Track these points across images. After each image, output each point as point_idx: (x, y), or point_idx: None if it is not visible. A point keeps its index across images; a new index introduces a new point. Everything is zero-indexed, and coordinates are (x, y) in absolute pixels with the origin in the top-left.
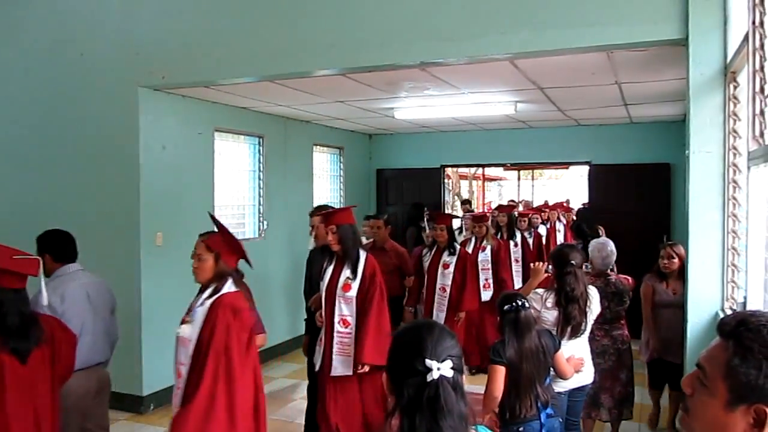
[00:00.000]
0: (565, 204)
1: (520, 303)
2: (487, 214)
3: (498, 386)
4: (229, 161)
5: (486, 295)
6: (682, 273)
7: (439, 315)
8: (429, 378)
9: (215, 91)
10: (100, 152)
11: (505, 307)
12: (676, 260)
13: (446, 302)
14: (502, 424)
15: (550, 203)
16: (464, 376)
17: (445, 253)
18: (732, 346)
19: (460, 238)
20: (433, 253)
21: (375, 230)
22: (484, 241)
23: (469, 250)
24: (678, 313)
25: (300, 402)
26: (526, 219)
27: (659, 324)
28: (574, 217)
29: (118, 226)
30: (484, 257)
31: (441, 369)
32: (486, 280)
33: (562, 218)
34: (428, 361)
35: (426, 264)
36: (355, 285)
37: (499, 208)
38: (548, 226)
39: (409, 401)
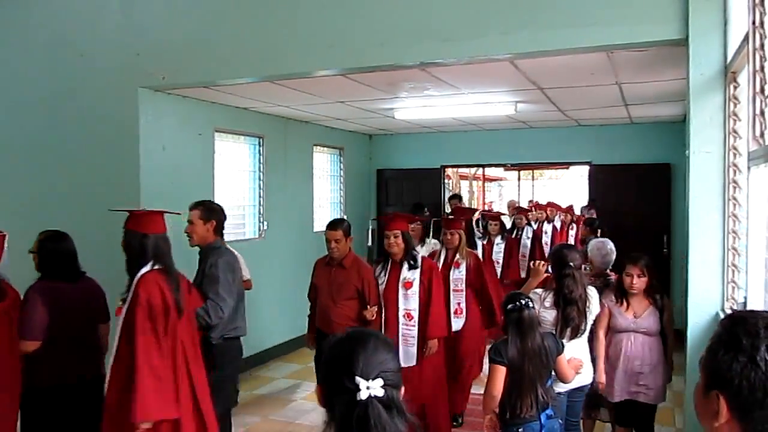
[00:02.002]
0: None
1: (524, 302)
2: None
3: (498, 386)
4: (229, 162)
5: (457, 323)
6: (649, 292)
7: (409, 351)
8: (358, 397)
9: (215, 92)
10: (100, 153)
11: (509, 306)
12: (644, 279)
13: (416, 333)
14: (502, 424)
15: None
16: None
17: (404, 267)
18: (720, 335)
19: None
20: (389, 268)
21: (333, 243)
22: (458, 255)
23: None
24: (640, 340)
25: (300, 402)
26: (523, 217)
27: (615, 355)
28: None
29: (118, 226)
30: (458, 276)
31: (371, 388)
32: (458, 304)
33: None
34: (357, 379)
35: (382, 285)
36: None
37: (520, 210)
38: (554, 224)
39: (341, 419)
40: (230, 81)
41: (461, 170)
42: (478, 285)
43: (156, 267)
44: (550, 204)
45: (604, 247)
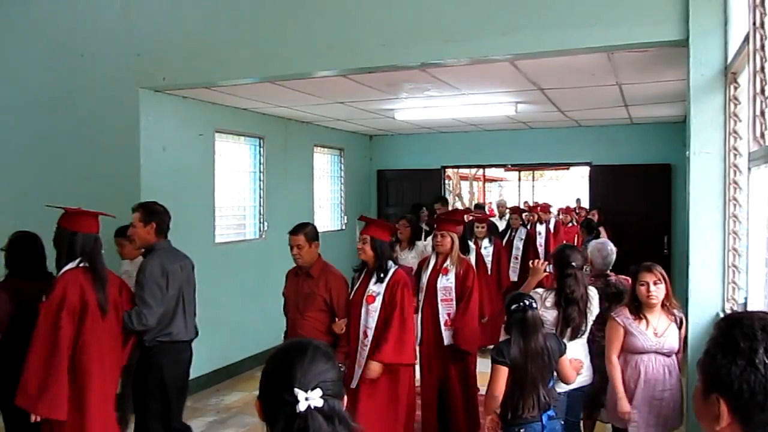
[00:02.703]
0: (576, 205)
1: (528, 303)
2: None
3: (500, 386)
4: (230, 162)
5: (448, 336)
6: (666, 306)
7: (357, 373)
8: (298, 409)
9: (216, 93)
10: (100, 153)
11: (513, 306)
12: (662, 286)
13: (366, 354)
14: (504, 425)
15: (550, 204)
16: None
17: (372, 279)
18: (717, 338)
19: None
20: (361, 278)
21: (295, 250)
22: (448, 261)
23: (425, 275)
24: (661, 362)
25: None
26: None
27: (632, 379)
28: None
29: (118, 227)
30: (446, 284)
31: (309, 399)
32: (448, 315)
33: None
34: (296, 391)
35: (352, 296)
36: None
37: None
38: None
39: None
40: (230, 81)
41: (462, 171)
42: (463, 297)
43: (82, 265)
44: (540, 206)
45: (605, 248)
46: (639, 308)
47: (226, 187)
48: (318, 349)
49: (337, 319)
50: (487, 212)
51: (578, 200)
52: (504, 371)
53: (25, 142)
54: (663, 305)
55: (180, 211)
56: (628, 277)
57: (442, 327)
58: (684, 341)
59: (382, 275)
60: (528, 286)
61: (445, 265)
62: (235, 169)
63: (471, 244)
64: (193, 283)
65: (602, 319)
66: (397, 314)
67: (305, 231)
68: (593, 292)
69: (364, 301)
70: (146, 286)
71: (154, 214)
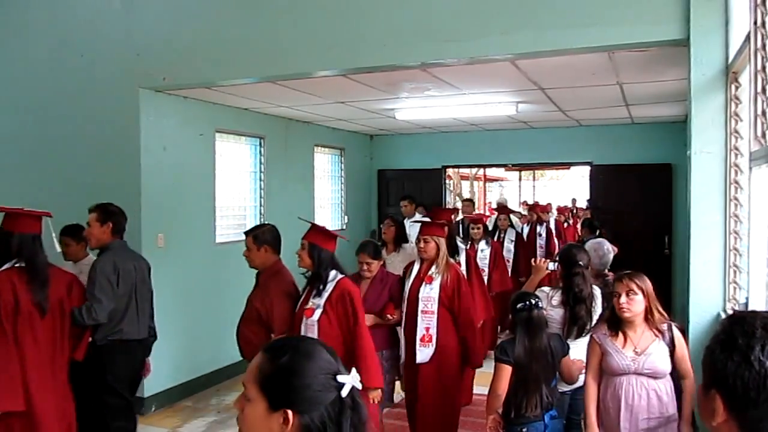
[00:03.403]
0: (572, 204)
1: (533, 302)
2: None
3: (503, 385)
4: (230, 162)
5: (423, 353)
6: (651, 320)
7: None
8: (343, 394)
9: (216, 92)
10: (101, 153)
11: (519, 305)
12: (639, 297)
13: None
14: (506, 423)
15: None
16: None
17: (314, 292)
18: (718, 334)
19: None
20: (306, 290)
21: (245, 251)
22: (433, 268)
23: (408, 283)
24: (644, 384)
25: None
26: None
27: (613, 405)
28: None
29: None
30: (429, 293)
31: (353, 378)
32: (426, 329)
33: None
34: (339, 377)
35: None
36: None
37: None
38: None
39: (336, 423)
40: (231, 81)
41: (462, 170)
42: (454, 306)
43: (17, 265)
44: (540, 207)
45: (601, 247)
46: (618, 324)
47: (226, 187)
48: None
49: (272, 335)
50: (487, 212)
51: (574, 200)
52: (507, 370)
53: (25, 142)
54: (647, 319)
55: (180, 211)
56: None
57: (417, 343)
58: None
59: (321, 287)
60: (530, 284)
61: (429, 272)
62: (236, 169)
63: (460, 244)
64: (148, 285)
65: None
66: (360, 334)
67: (255, 233)
68: (597, 292)
69: (303, 315)
70: (97, 282)
71: (110, 214)
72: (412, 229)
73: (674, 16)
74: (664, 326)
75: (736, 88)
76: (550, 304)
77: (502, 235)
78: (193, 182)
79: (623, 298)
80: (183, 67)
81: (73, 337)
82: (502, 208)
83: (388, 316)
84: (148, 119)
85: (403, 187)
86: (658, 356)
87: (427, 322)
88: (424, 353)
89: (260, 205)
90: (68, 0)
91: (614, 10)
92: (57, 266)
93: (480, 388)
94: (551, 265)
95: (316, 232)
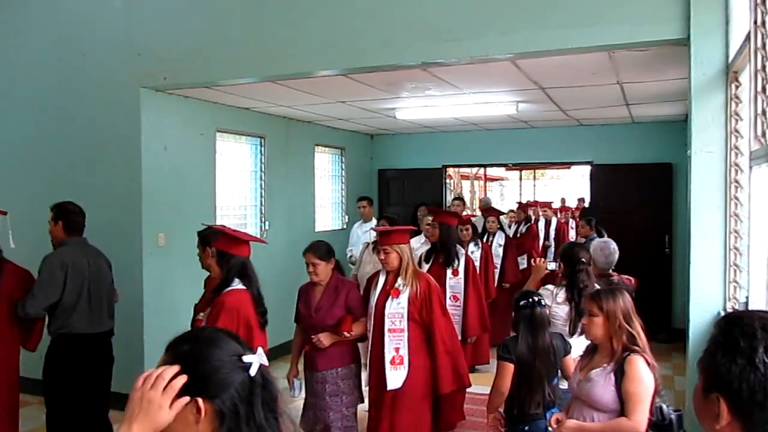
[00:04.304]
0: (561, 204)
1: (536, 299)
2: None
3: (506, 383)
4: (231, 162)
5: (394, 378)
6: (611, 344)
7: None
8: (251, 373)
9: (217, 92)
10: (101, 153)
11: (522, 302)
12: (599, 320)
13: None
14: (509, 421)
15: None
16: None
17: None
18: (717, 337)
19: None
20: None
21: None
22: (399, 280)
23: (374, 296)
24: (583, 415)
25: (302, 402)
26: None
27: None
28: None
29: (120, 227)
30: (396, 309)
31: (260, 358)
32: (396, 348)
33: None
34: (244, 357)
35: None
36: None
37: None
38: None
39: (247, 404)
40: (232, 81)
41: (462, 170)
42: (427, 321)
43: None
44: (537, 204)
45: (608, 247)
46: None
47: (227, 186)
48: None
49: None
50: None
51: (563, 199)
52: (510, 368)
53: (26, 141)
54: (611, 342)
55: (181, 210)
56: (630, 277)
57: (387, 366)
58: (684, 342)
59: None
60: (532, 283)
61: (396, 284)
62: (236, 168)
63: (461, 250)
64: (105, 279)
65: None
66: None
67: (204, 234)
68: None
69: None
70: (39, 278)
71: (63, 213)
72: (365, 236)
73: (674, 16)
74: (626, 353)
75: (737, 87)
76: (555, 301)
77: (490, 239)
78: (193, 182)
79: (584, 319)
80: (184, 66)
81: (26, 329)
82: (490, 210)
83: (345, 333)
84: (149, 119)
85: (403, 187)
86: (598, 385)
87: (396, 342)
88: (396, 377)
89: (261, 205)
90: (69, 0)
91: (614, 10)
92: (12, 262)
93: (481, 387)
94: (551, 265)
95: (225, 238)
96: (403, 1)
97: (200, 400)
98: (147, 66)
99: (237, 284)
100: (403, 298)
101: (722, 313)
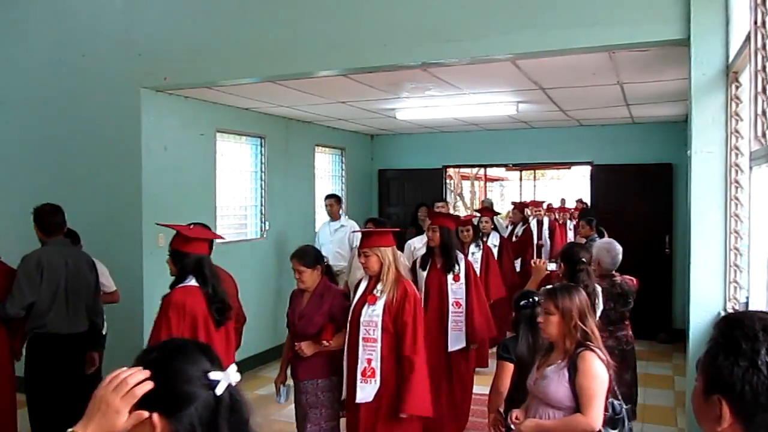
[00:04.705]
0: (577, 204)
1: (536, 299)
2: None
3: (505, 382)
4: (231, 162)
5: (364, 392)
6: (565, 341)
7: None
8: (218, 392)
9: (217, 92)
10: (101, 153)
11: (522, 302)
12: (554, 319)
13: None
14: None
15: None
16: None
17: None
18: (718, 338)
19: (472, 248)
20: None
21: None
22: (379, 286)
23: (353, 302)
24: (540, 413)
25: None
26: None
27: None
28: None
29: (120, 227)
30: (371, 317)
31: (230, 376)
32: (368, 360)
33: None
34: (211, 374)
35: None
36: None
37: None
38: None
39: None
40: (232, 81)
41: (463, 170)
42: (400, 332)
43: None
44: (533, 203)
45: (613, 248)
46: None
47: (227, 186)
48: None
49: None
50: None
51: (563, 200)
52: (509, 368)
53: (26, 141)
54: (565, 339)
55: (181, 210)
56: (632, 277)
57: (358, 377)
58: (684, 342)
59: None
60: (532, 284)
61: (374, 290)
62: (237, 168)
63: (460, 254)
64: (84, 279)
65: (607, 320)
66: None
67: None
68: (598, 289)
69: None
70: (17, 278)
71: (38, 215)
72: (336, 235)
73: (675, 16)
74: (579, 349)
75: (737, 87)
76: None
77: (485, 240)
78: (193, 182)
79: (541, 318)
80: (184, 67)
81: (12, 330)
82: (483, 210)
83: (324, 342)
84: (149, 119)
85: (403, 187)
86: (552, 382)
87: (369, 353)
88: (365, 391)
89: (261, 205)
90: (69, 0)
91: (615, 10)
92: (4, 263)
93: (481, 387)
94: (551, 266)
95: (178, 237)
96: (404, 1)
97: (155, 417)
98: (147, 66)
99: (189, 281)
100: (379, 305)
101: (722, 314)
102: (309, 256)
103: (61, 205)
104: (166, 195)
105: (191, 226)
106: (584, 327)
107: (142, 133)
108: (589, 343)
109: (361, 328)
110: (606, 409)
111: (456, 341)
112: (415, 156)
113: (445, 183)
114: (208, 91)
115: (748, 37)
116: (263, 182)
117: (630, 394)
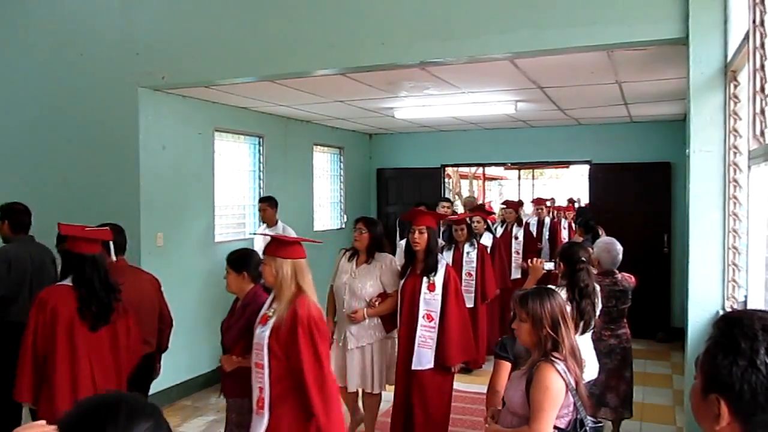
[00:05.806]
0: (569, 203)
1: None
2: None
3: (501, 381)
4: (229, 161)
5: (257, 426)
6: (533, 349)
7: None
8: None
9: (215, 91)
10: (100, 152)
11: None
12: (526, 326)
13: None
14: None
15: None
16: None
17: None
18: (717, 337)
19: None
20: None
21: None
22: (274, 305)
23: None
24: (507, 421)
25: None
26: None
27: None
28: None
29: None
30: (259, 339)
31: None
32: (260, 389)
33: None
34: None
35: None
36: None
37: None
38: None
39: None
40: (230, 80)
41: (461, 169)
42: (294, 362)
43: None
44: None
45: (614, 247)
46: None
47: (225, 185)
48: (135, 409)
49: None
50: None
51: (552, 199)
52: (507, 366)
53: (24, 141)
54: (537, 347)
55: (180, 209)
56: (631, 275)
57: (254, 409)
58: (683, 341)
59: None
60: (529, 283)
61: (266, 310)
62: (235, 168)
63: (441, 258)
64: (48, 273)
65: (609, 318)
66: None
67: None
68: (597, 288)
69: None
70: None
71: (9, 212)
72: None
73: (673, 15)
74: (540, 360)
75: (735, 86)
76: None
77: (478, 239)
78: (192, 181)
79: (514, 323)
80: (182, 66)
81: None
82: (476, 209)
83: (234, 357)
84: (147, 118)
85: (402, 187)
86: (512, 387)
87: (258, 380)
88: (257, 425)
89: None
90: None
91: (613, 9)
92: None
93: (479, 387)
94: (548, 266)
95: (69, 238)
96: (402, 0)
97: None
98: (145, 65)
99: (66, 281)
100: (268, 326)
101: (721, 312)
102: (238, 259)
103: (59, 204)
104: (164, 194)
105: (103, 228)
106: (555, 335)
107: (140, 132)
108: (555, 353)
109: (253, 351)
110: (568, 425)
111: (421, 360)
112: (414, 155)
113: (444, 182)
114: (206, 90)
115: (746, 36)
116: (261, 181)
117: (629, 392)
